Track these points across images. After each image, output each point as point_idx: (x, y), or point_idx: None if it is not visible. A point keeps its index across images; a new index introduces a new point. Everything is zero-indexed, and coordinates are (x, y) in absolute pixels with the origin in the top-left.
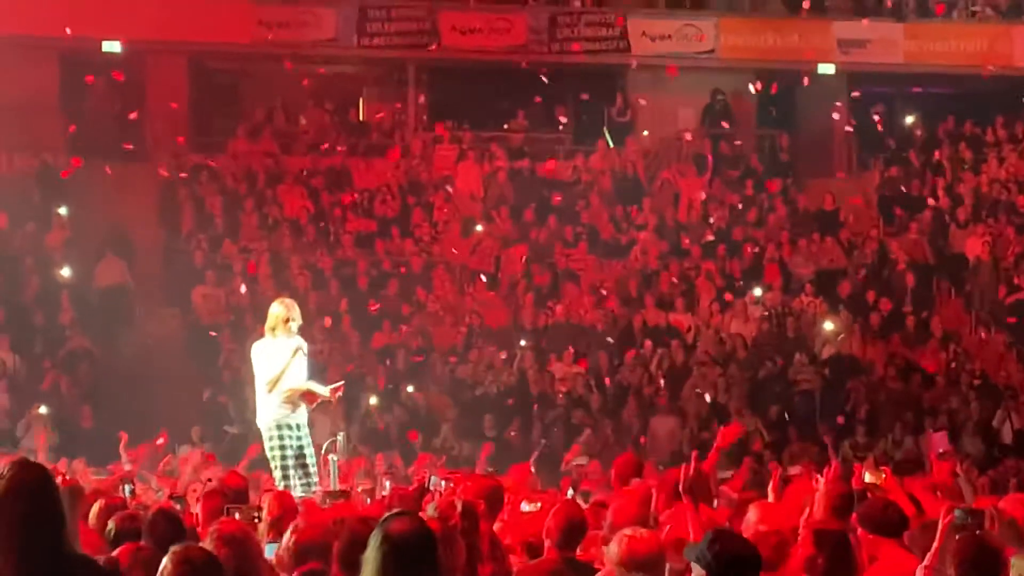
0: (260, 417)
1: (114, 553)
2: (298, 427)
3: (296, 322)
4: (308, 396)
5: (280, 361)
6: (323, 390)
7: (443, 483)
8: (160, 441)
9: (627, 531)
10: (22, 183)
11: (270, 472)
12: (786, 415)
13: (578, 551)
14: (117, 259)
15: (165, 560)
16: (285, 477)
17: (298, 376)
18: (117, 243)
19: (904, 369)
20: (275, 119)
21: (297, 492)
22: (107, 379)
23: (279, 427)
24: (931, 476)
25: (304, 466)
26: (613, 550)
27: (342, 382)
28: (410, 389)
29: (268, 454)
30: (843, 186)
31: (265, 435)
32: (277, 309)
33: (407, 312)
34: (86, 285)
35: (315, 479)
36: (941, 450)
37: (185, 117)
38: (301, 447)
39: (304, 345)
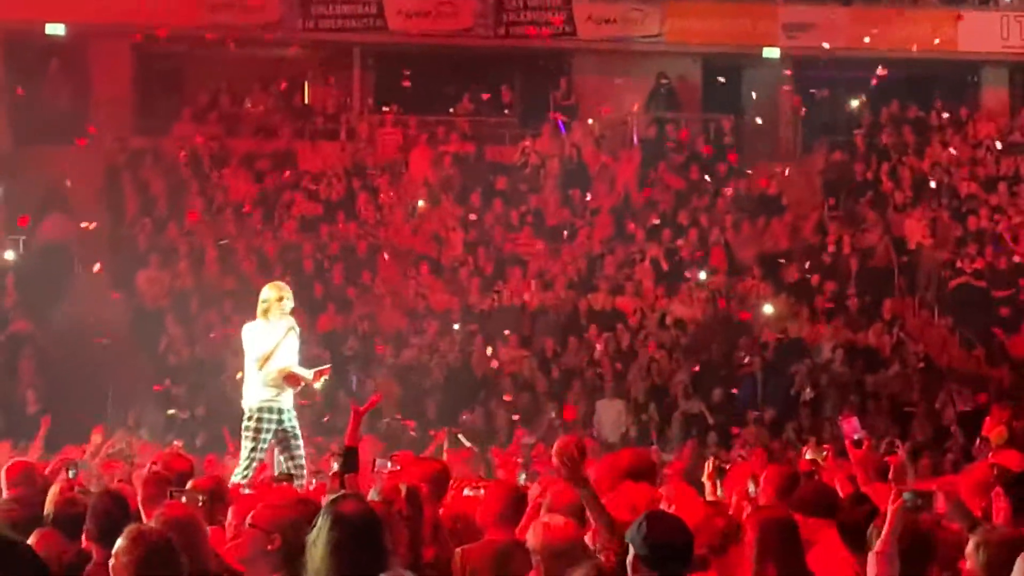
0: (246, 398)
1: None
2: (280, 411)
3: (289, 302)
4: (291, 379)
5: (273, 339)
6: (307, 373)
7: (388, 465)
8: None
9: (545, 518)
10: None
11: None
12: (731, 398)
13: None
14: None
15: (121, 540)
16: (251, 460)
17: (290, 356)
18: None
19: (848, 352)
20: (220, 102)
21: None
22: (51, 363)
23: (260, 410)
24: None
25: (289, 449)
26: (530, 537)
27: (328, 365)
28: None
29: (243, 434)
30: (787, 170)
31: (247, 415)
32: (269, 291)
33: (352, 296)
34: (29, 266)
35: (301, 461)
36: (856, 436)
37: (129, 100)
38: (285, 431)
39: (296, 327)
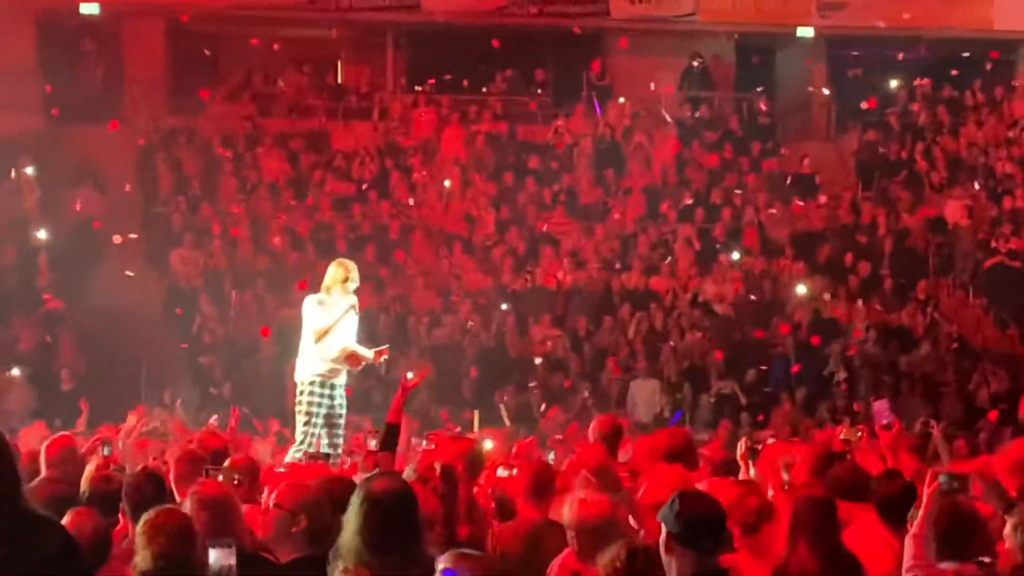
0: (299, 371)
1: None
2: (333, 387)
3: (354, 282)
4: (353, 358)
5: (332, 315)
6: (367, 353)
7: (423, 443)
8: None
9: (580, 494)
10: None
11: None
12: (764, 378)
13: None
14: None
15: (140, 524)
16: (305, 435)
17: (348, 335)
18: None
19: (882, 332)
20: (253, 82)
21: (322, 449)
22: (86, 342)
23: (312, 383)
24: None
25: (333, 427)
26: (565, 514)
27: (387, 346)
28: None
29: (296, 408)
30: (822, 149)
31: (299, 389)
32: (335, 270)
33: (385, 275)
34: (63, 246)
35: (339, 440)
36: (884, 421)
37: (163, 80)
38: (333, 407)
39: (355, 302)
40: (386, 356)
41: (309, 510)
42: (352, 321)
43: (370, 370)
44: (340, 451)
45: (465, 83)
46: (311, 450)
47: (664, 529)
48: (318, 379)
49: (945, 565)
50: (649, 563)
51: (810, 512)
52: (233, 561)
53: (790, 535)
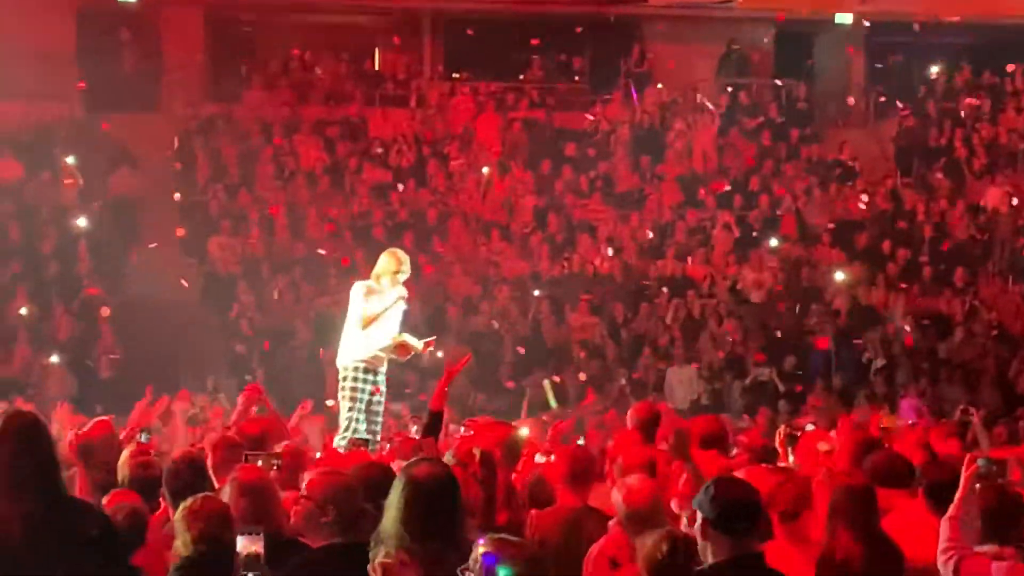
0: (341, 357)
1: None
2: (376, 374)
3: (405, 274)
4: (403, 349)
5: (381, 304)
6: (417, 343)
7: (461, 429)
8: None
9: (629, 479)
10: (39, 134)
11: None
12: (802, 365)
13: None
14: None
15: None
16: (350, 421)
17: (392, 325)
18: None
19: (921, 320)
20: (291, 69)
21: (360, 435)
22: (124, 329)
23: (356, 369)
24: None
25: (372, 413)
26: (613, 498)
27: (434, 337)
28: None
29: (340, 394)
30: (860, 136)
31: (341, 375)
32: (387, 260)
33: (423, 263)
34: (102, 233)
35: (379, 428)
36: (911, 420)
37: (201, 68)
38: (373, 393)
39: (405, 293)
40: (432, 347)
41: (337, 500)
42: (398, 312)
43: (410, 359)
44: (379, 437)
45: (502, 70)
46: (356, 436)
47: (700, 515)
48: (361, 365)
49: (985, 548)
50: (689, 554)
51: (849, 499)
52: (260, 548)
53: (829, 523)
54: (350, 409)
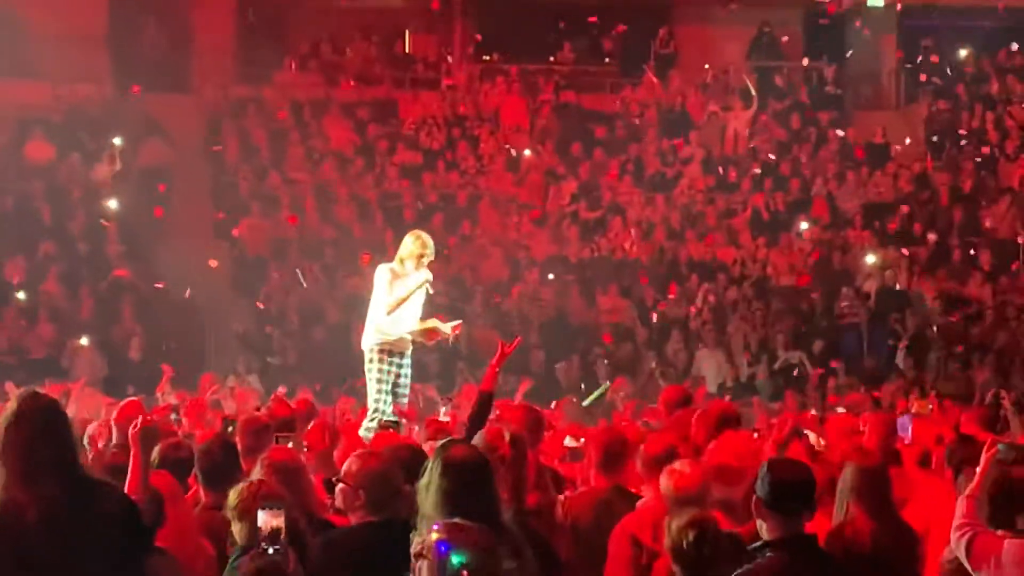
0: (366, 338)
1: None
2: (401, 355)
3: (428, 258)
4: (430, 333)
5: (405, 288)
6: (445, 328)
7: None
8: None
9: (676, 465)
10: (69, 115)
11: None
12: (831, 349)
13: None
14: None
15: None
16: (378, 403)
17: (416, 308)
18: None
19: (951, 303)
20: (321, 51)
21: (385, 417)
22: (154, 310)
23: (381, 351)
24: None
25: (397, 396)
26: (661, 483)
27: (459, 321)
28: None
29: (367, 376)
30: (891, 119)
31: (367, 357)
32: (412, 242)
33: (452, 244)
34: (132, 214)
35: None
36: (907, 439)
37: (232, 49)
38: (399, 374)
39: (430, 277)
40: (459, 332)
41: (369, 483)
42: (422, 294)
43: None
44: (402, 422)
45: (532, 52)
46: (384, 419)
47: (756, 494)
48: (386, 347)
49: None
50: (716, 542)
51: (862, 479)
52: (281, 522)
53: (839, 501)
54: (378, 391)
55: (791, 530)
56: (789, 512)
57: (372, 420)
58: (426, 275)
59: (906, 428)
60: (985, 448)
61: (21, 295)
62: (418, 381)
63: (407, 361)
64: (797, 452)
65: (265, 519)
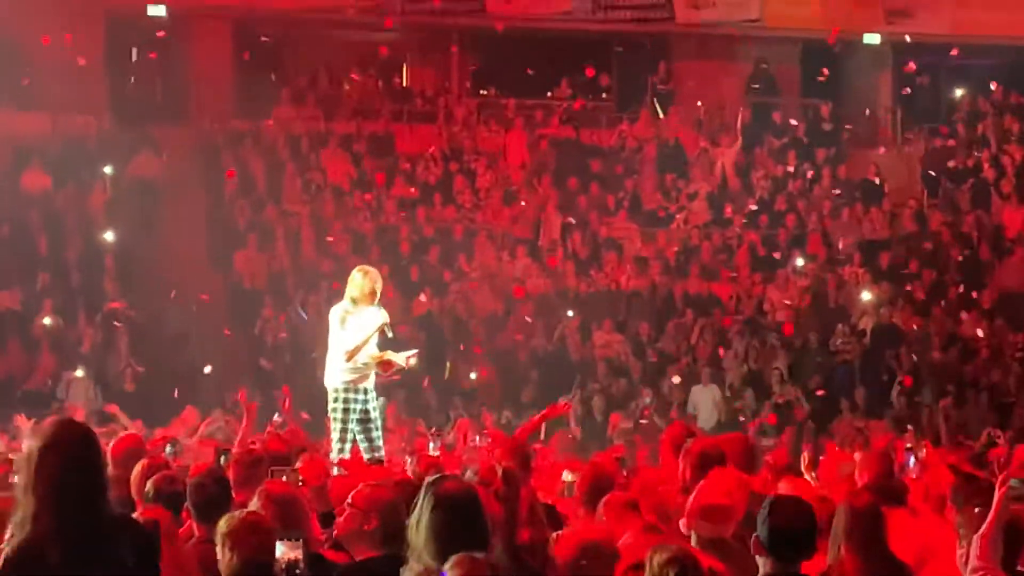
0: (328, 379)
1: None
2: (365, 391)
3: (379, 289)
4: (384, 364)
5: (363, 333)
6: (399, 358)
7: (477, 439)
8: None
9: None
10: (66, 145)
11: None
12: (827, 385)
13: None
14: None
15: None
16: (342, 440)
17: (373, 347)
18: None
19: (946, 340)
20: (319, 84)
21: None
22: (150, 342)
23: (347, 390)
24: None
25: (368, 431)
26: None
27: (416, 350)
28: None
29: (331, 415)
30: (887, 157)
31: (331, 396)
32: (361, 279)
33: (448, 279)
34: (129, 247)
35: (379, 443)
36: (913, 475)
37: (229, 82)
38: (367, 411)
39: (387, 320)
40: (414, 360)
41: (382, 512)
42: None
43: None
44: (382, 453)
45: (530, 87)
46: (346, 457)
47: (756, 531)
48: (351, 384)
49: None
50: None
51: (854, 520)
52: (300, 554)
53: (832, 542)
54: (342, 430)
55: (781, 573)
56: (785, 558)
57: (336, 457)
58: (383, 318)
59: (911, 462)
60: (998, 484)
61: (18, 325)
62: (411, 416)
63: (372, 395)
64: (799, 488)
65: (284, 551)
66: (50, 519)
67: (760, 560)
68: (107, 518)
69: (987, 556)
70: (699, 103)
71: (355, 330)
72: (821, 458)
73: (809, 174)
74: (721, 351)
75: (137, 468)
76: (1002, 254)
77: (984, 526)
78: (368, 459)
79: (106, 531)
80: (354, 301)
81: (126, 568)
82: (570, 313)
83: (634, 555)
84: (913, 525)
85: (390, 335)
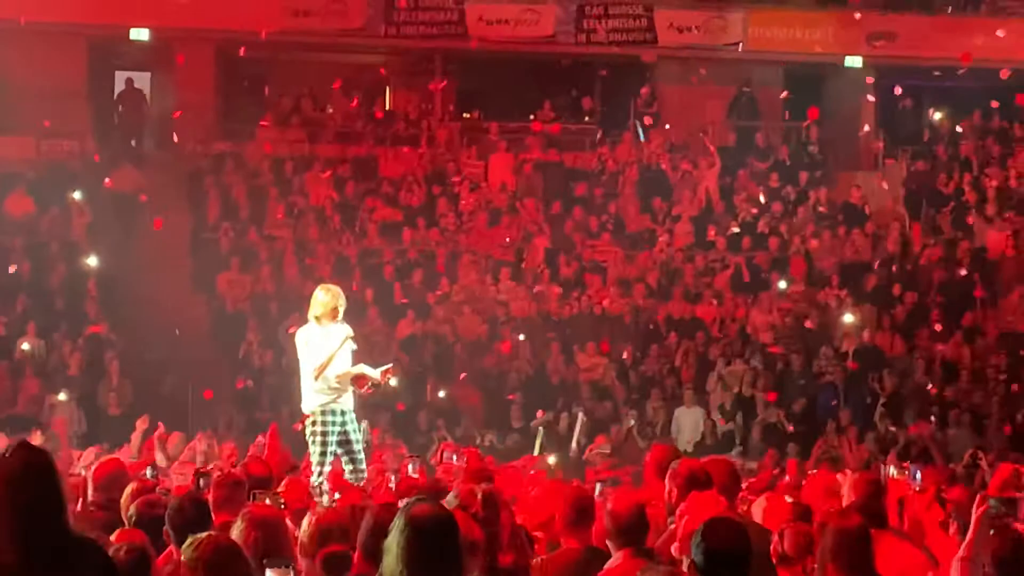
0: (305, 403)
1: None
2: (343, 413)
3: (343, 307)
4: (359, 380)
5: (328, 348)
6: (374, 373)
7: (454, 457)
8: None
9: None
10: (49, 169)
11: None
12: (810, 408)
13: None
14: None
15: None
16: (321, 464)
17: (345, 363)
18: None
19: (928, 363)
20: (302, 108)
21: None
22: (133, 366)
23: (323, 413)
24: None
25: (350, 452)
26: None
27: (390, 364)
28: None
29: (309, 440)
30: (869, 179)
31: (308, 420)
32: (324, 297)
33: (432, 302)
34: (112, 271)
35: (362, 465)
36: (917, 488)
37: (212, 105)
38: (346, 432)
39: (351, 333)
40: (392, 376)
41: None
42: (347, 349)
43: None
44: (364, 475)
45: (513, 110)
46: (323, 481)
47: (689, 557)
48: (327, 407)
49: None
50: None
51: (841, 541)
52: None
53: (819, 562)
54: (321, 453)
55: None
56: None
57: (316, 480)
58: (347, 331)
59: (916, 478)
60: (975, 505)
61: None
62: (394, 437)
63: (351, 417)
64: (782, 504)
65: None
66: (12, 545)
67: None
68: (72, 539)
69: None
70: (679, 126)
71: (321, 348)
72: (804, 480)
73: (792, 196)
74: (705, 374)
75: (127, 491)
76: (986, 277)
77: (962, 548)
78: (351, 479)
79: (67, 551)
80: (318, 319)
81: None
82: (548, 334)
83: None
84: (898, 547)
85: (354, 348)
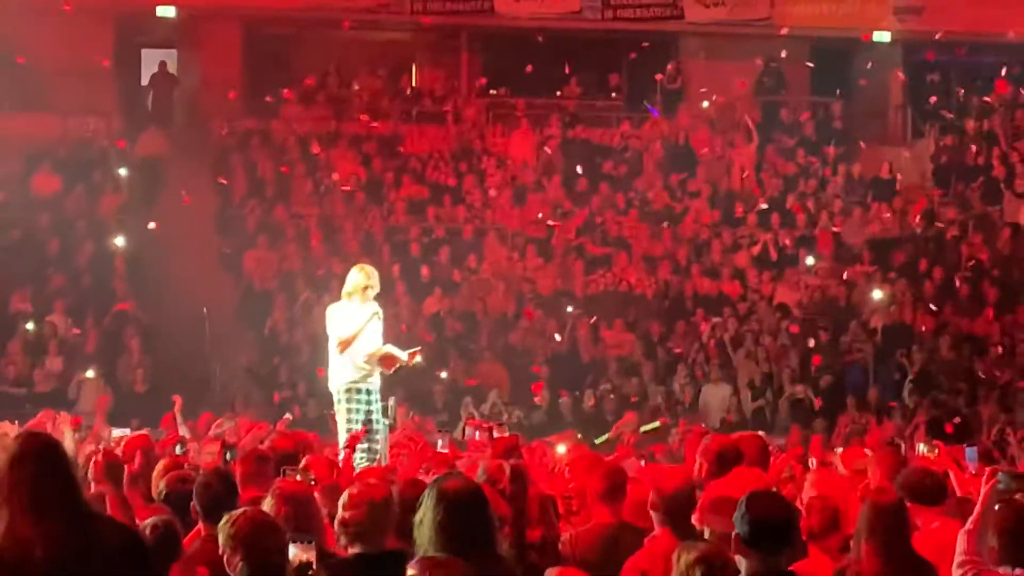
0: (332, 380)
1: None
2: (368, 392)
3: (374, 289)
4: (387, 360)
5: (355, 324)
6: (402, 354)
7: (476, 433)
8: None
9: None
10: (76, 147)
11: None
12: (838, 384)
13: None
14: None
15: (227, 523)
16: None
17: (373, 341)
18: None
19: (957, 338)
20: (328, 85)
21: (360, 457)
22: (160, 343)
23: (349, 391)
24: None
25: (371, 432)
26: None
27: (419, 347)
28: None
29: (337, 417)
30: (897, 154)
31: (335, 398)
32: (357, 276)
33: (459, 278)
34: (140, 248)
35: (378, 447)
36: (972, 470)
37: (238, 82)
38: (370, 411)
39: (380, 311)
40: (419, 358)
41: (373, 508)
42: (376, 327)
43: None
44: (379, 456)
45: (539, 87)
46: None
47: (735, 530)
48: (353, 386)
49: (1004, 569)
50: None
51: (877, 517)
52: (312, 556)
53: (855, 539)
54: (348, 431)
55: (771, 569)
56: (769, 551)
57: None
58: (374, 308)
59: (973, 459)
60: (984, 479)
61: (29, 327)
62: (420, 414)
63: (376, 397)
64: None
65: (296, 553)
66: (28, 522)
67: (742, 561)
68: (86, 517)
69: (973, 550)
70: (703, 104)
71: (347, 324)
72: (831, 455)
73: (820, 172)
74: (732, 350)
75: (158, 467)
76: (1015, 251)
77: (969, 521)
78: (366, 461)
79: (87, 530)
80: (348, 296)
81: (115, 565)
82: (573, 310)
83: (660, 551)
84: (941, 524)
85: (381, 323)
